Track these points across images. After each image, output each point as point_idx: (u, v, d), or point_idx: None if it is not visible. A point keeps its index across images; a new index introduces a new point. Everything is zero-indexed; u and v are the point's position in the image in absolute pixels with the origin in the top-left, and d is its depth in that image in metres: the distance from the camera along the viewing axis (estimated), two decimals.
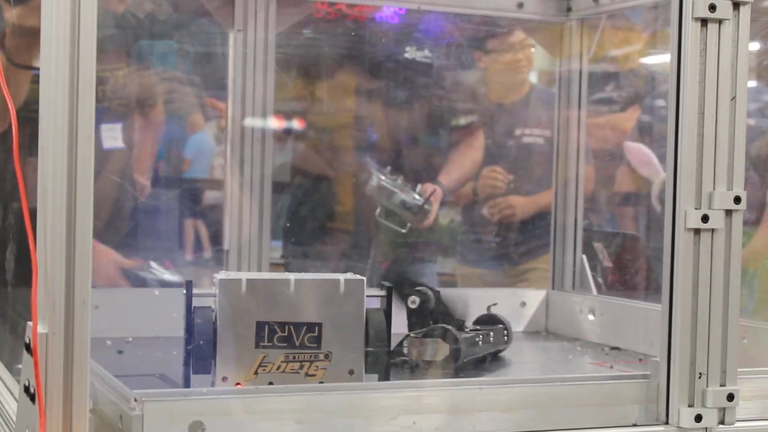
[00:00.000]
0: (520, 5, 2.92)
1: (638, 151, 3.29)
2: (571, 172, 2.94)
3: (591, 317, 2.74)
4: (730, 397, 1.63)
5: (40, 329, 1.34)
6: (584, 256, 2.94)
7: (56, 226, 1.33)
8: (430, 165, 3.26)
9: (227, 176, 2.76)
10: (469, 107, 3.39)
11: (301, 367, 1.73)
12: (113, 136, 2.94)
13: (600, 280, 3.09)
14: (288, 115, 3.16)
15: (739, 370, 1.65)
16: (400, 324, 2.07)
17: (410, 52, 3.19)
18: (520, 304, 2.87)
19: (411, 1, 2.95)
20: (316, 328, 1.73)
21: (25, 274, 1.44)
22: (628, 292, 3.24)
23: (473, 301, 2.70)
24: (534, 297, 2.89)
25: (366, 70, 3.23)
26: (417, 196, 3.04)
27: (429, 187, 3.08)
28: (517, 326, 2.85)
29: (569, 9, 2.92)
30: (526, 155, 3.42)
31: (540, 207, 3.23)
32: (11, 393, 1.70)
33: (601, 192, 3.51)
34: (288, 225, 3.24)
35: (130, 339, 2.47)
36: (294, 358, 1.72)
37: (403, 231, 3.08)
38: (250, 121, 2.75)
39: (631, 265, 3.32)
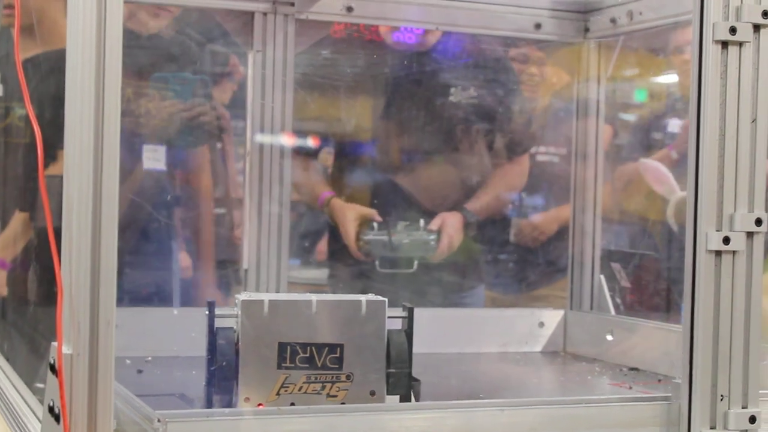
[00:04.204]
0: (538, 26, 2.93)
1: (655, 169, 3.28)
2: (589, 193, 2.94)
3: (609, 338, 2.73)
4: (752, 420, 1.62)
5: (65, 350, 1.34)
6: (602, 277, 2.94)
7: (81, 246, 1.34)
8: (452, 188, 3.25)
9: (246, 195, 2.77)
10: (495, 128, 3.38)
11: (323, 388, 1.73)
12: (155, 158, 2.98)
13: (618, 300, 3.09)
14: (306, 135, 3.17)
15: (760, 392, 1.65)
16: (421, 344, 2.07)
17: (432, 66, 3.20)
18: (538, 324, 2.87)
19: (429, 22, 2.96)
20: (338, 349, 1.73)
21: (48, 295, 1.45)
22: (646, 313, 3.23)
23: (493, 322, 2.72)
24: (552, 317, 2.89)
25: (386, 91, 3.24)
26: (428, 233, 3.04)
27: (437, 219, 3.08)
28: (535, 346, 2.85)
29: (587, 30, 2.93)
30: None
31: None
32: (34, 413, 1.71)
33: (615, 211, 3.51)
34: (318, 246, 3.26)
35: (149, 358, 2.47)
36: (316, 379, 1.73)
37: (411, 270, 3.07)
38: (268, 140, 2.76)
39: (650, 285, 3.32)
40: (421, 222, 3.04)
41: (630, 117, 3.69)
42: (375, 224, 3.02)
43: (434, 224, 3.06)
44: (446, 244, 3.04)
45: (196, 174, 3.11)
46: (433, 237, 3.03)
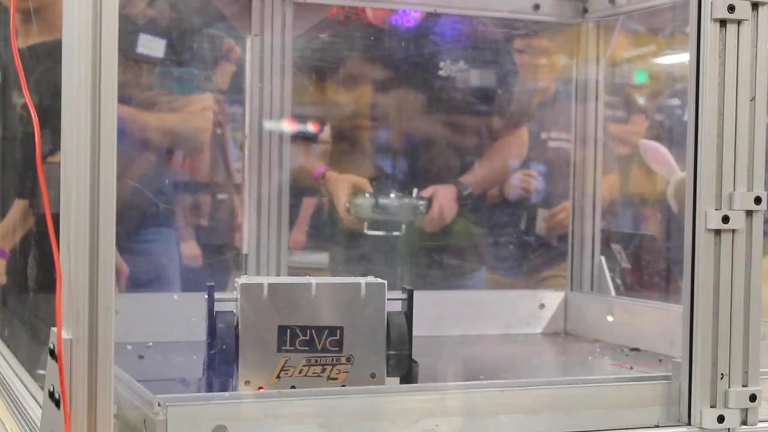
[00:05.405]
0: (536, 7, 2.92)
1: (654, 150, 3.28)
2: (589, 174, 2.94)
3: (610, 318, 2.73)
4: (753, 398, 1.62)
5: (65, 335, 1.34)
6: (603, 258, 2.94)
7: (79, 232, 1.33)
8: (448, 167, 3.25)
9: (245, 180, 2.77)
10: (498, 108, 3.37)
11: (323, 371, 1.73)
12: None
13: (618, 281, 3.09)
14: (305, 119, 3.16)
15: (761, 370, 1.65)
16: (420, 326, 2.07)
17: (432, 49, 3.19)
18: (538, 305, 2.87)
19: (427, 4, 2.95)
20: (338, 331, 1.73)
21: (48, 281, 1.45)
22: (646, 293, 3.23)
23: (494, 303, 2.72)
24: (553, 299, 2.89)
25: (385, 73, 3.23)
26: (418, 200, 3.05)
27: (429, 189, 3.08)
28: (536, 328, 2.86)
29: (585, 11, 2.92)
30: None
31: None
32: (34, 398, 1.71)
33: (618, 194, 3.50)
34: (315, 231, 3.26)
35: (150, 344, 2.47)
36: (316, 361, 1.73)
37: (398, 233, 3.07)
38: (267, 125, 2.76)
39: (650, 265, 3.32)
40: (414, 192, 3.05)
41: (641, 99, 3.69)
42: (367, 194, 3.02)
43: (425, 193, 3.07)
44: (437, 212, 3.04)
45: None
46: (422, 203, 3.04)
